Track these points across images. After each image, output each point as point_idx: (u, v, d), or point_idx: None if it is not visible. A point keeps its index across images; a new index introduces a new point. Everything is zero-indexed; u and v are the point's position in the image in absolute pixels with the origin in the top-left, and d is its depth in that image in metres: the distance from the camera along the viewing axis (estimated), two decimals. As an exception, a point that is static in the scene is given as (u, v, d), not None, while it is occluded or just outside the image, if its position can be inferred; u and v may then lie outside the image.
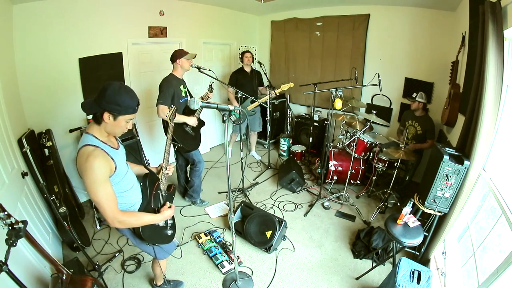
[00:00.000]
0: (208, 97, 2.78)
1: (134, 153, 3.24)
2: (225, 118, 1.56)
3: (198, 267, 2.32)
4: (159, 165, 1.71)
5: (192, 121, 2.64)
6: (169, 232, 1.66)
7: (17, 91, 2.48)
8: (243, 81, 3.74)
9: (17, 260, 1.46)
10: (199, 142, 2.88)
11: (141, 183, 1.56)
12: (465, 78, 2.48)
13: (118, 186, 1.36)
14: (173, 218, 1.70)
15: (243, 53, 3.78)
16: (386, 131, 3.93)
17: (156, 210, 1.54)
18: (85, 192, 3.15)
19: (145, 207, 1.51)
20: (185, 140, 2.67)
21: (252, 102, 3.61)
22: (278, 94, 3.71)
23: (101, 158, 1.23)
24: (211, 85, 2.84)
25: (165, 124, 2.63)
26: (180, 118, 2.57)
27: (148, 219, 1.44)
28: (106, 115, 1.24)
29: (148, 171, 1.63)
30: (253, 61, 3.84)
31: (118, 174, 1.33)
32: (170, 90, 2.52)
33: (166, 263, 1.92)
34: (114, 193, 1.29)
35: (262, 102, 3.49)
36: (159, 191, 1.59)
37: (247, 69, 3.82)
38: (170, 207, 1.57)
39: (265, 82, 3.94)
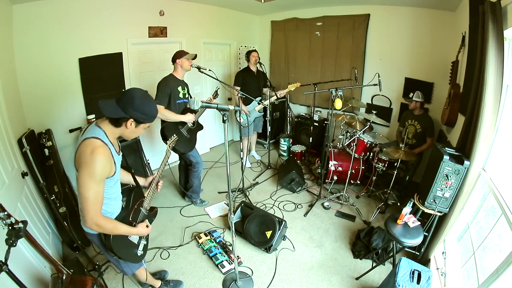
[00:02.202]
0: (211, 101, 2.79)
1: (134, 153, 3.24)
2: (225, 118, 1.56)
3: (198, 267, 2.32)
4: (152, 177, 1.67)
5: (188, 117, 2.61)
6: (140, 252, 1.58)
7: (17, 91, 2.47)
8: (250, 80, 3.69)
9: (17, 260, 1.46)
10: (194, 145, 2.85)
11: (125, 197, 1.52)
12: (465, 78, 2.48)
13: (106, 192, 1.32)
14: (147, 239, 1.66)
15: (249, 52, 3.68)
16: (386, 131, 3.94)
17: (133, 225, 1.50)
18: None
19: (123, 218, 1.46)
20: (179, 141, 2.65)
21: (260, 102, 3.59)
22: (284, 94, 3.69)
23: (107, 157, 1.21)
24: (216, 91, 2.83)
25: (161, 123, 2.63)
26: (177, 117, 2.56)
27: (124, 230, 1.40)
28: (129, 122, 1.24)
29: (136, 185, 1.60)
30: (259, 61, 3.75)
31: (113, 178, 1.31)
32: (167, 90, 2.53)
33: (146, 271, 1.85)
34: (103, 195, 1.25)
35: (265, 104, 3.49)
36: (141, 208, 1.57)
37: (253, 68, 3.73)
38: (147, 226, 1.55)
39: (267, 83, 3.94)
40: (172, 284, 2.07)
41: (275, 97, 3.59)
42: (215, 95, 2.84)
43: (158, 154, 3.92)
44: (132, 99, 1.21)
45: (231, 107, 1.57)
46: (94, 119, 2.87)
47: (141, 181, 1.68)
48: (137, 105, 1.22)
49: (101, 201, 1.24)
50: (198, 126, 2.80)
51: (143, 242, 1.61)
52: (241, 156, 3.11)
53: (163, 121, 2.60)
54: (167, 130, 2.56)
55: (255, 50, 3.75)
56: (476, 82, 1.89)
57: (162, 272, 2.20)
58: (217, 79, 2.82)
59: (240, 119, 3.33)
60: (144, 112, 1.25)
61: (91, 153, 1.15)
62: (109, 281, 2.11)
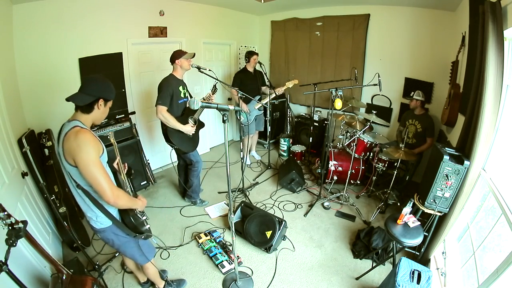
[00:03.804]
0: (211, 98, 2.75)
1: (134, 153, 3.24)
2: (225, 118, 1.56)
3: (198, 267, 2.32)
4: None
5: (187, 129, 2.60)
6: (148, 226, 1.68)
7: (17, 91, 2.48)
8: (248, 81, 3.70)
9: (17, 260, 1.46)
10: (197, 144, 2.86)
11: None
12: (465, 78, 2.48)
13: None
14: (144, 214, 1.72)
15: (251, 54, 3.66)
16: (386, 131, 3.93)
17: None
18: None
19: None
20: (182, 142, 2.66)
21: (259, 101, 3.59)
22: (283, 91, 3.71)
23: (91, 135, 1.28)
24: (214, 86, 2.78)
25: (163, 125, 2.62)
26: (176, 125, 2.55)
27: (133, 200, 1.48)
28: (100, 102, 1.34)
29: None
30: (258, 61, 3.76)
31: (103, 158, 1.35)
32: (169, 90, 2.52)
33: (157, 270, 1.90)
34: (106, 171, 1.31)
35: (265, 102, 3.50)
36: (126, 189, 1.65)
37: (251, 69, 3.75)
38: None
39: (266, 82, 3.95)
40: (175, 284, 2.08)
41: (274, 95, 3.60)
42: (214, 90, 2.78)
43: (158, 154, 3.92)
44: (95, 82, 1.34)
45: (231, 107, 1.56)
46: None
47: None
48: (101, 86, 1.35)
49: (108, 176, 1.30)
50: (199, 124, 2.80)
51: (144, 218, 1.67)
52: (241, 156, 3.11)
53: (165, 124, 2.59)
54: (170, 133, 2.57)
55: (256, 54, 3.71)
56: (476, 82, 1.88)
57: (163, 272, 2.20)
58: (217, 79, 2.81)
59: (240, 118, 3.33)
60: (109, 90, 1.38)
61: (75, 137, 1.22)
62: (109, 281, 2.11)
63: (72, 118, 1.34)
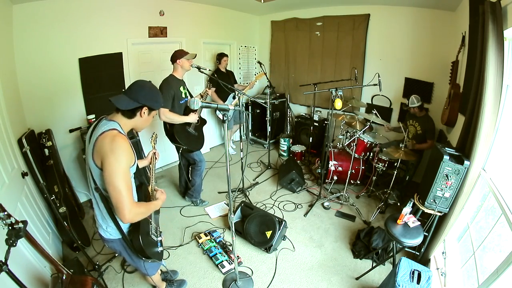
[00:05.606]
0: (207, 94, 2.75)
1: (134, 153, 3.24)
2: (225, 118, 1.56)
3: (198, 267, 2.32)
4: (150, 152, 1.81)
5: (192, 118, 2.62)
6: (160, 249, 1.62)
7: (17, 91, 2.48)
8: (222, 80, 3.77)
9: (17, 260, 1.46)
10: (203, 141, 2.88)
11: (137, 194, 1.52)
12: (465, 78, 2.48)
13: None
14: (161, 235, 1.68)
15: (221, 56, 4.01)
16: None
17: (149, 216, 1.53)
18: (85, 192, 3.15)
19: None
20: (189, 141, 2.67)
21: (234, 98, 3.74)
22: (252, 87, 3.76)
23: (127, 143, 1.22)
24: (209, 81, 2.74)
25: (167, 126, 2.62)
26: (181, 119, 2.56)
27: (152, 206, 1.42)
28: (143, 110, 1.29)
29: (141, 183, 1.60)
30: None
31: (132, 169, 1.30)
32: (170, 92, 2.51)
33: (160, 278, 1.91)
34: (131, 184, 1.25)
35: (261, 102, 3.51)
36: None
37: (223, 69, 4.10)
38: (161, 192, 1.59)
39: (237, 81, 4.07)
40: (176, 284, 2.08)
41: (248, 87, 3.62)
42: (209, 86, 2.75)
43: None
44: (142, 89, 1.29)
45: (231, 107, 1.56)
46: (94, 119, 2.88)
47: (144, 162, 1.77)
48: (148, 94, 1.29)
49: (131, 190, 1.22)
50: (202, 121, 2.81)
51: (159, 239, 1.63)
52: (241, 156, 3.11)
53: (170, 125, 2.58)
54: (176, 133, 2.56)
55: (226, 55, 4.08)
56: (476, 82, 1.89)
57: (174, 274, 2.19)
58: (217, 79, 2.81)
59: (222, 117, 3.36)
60: (156, 100, 1.32)
61: (112, 141, 1.16)
62: (109, 281, 2.11)
63: (111, 118, 1.28)
